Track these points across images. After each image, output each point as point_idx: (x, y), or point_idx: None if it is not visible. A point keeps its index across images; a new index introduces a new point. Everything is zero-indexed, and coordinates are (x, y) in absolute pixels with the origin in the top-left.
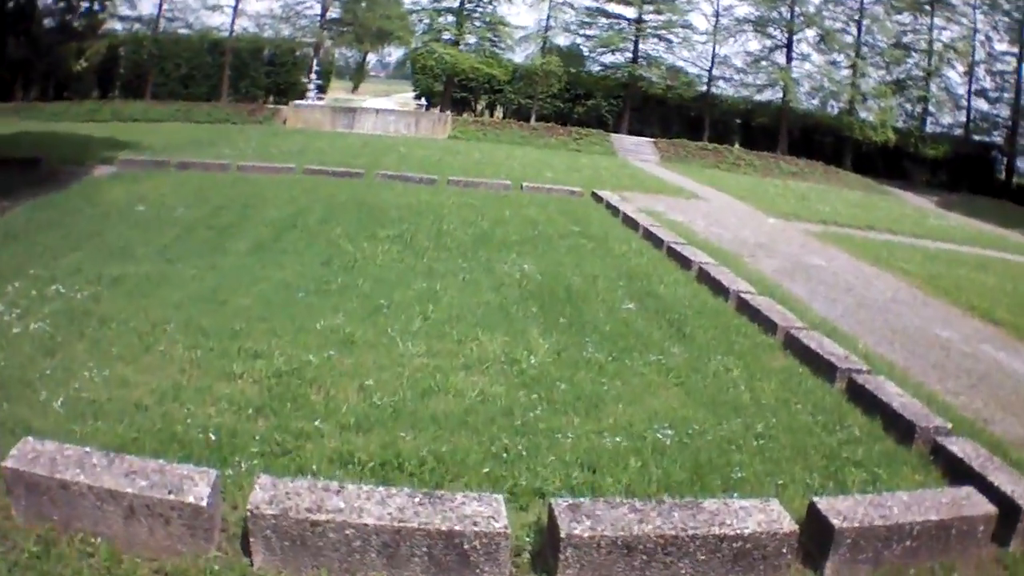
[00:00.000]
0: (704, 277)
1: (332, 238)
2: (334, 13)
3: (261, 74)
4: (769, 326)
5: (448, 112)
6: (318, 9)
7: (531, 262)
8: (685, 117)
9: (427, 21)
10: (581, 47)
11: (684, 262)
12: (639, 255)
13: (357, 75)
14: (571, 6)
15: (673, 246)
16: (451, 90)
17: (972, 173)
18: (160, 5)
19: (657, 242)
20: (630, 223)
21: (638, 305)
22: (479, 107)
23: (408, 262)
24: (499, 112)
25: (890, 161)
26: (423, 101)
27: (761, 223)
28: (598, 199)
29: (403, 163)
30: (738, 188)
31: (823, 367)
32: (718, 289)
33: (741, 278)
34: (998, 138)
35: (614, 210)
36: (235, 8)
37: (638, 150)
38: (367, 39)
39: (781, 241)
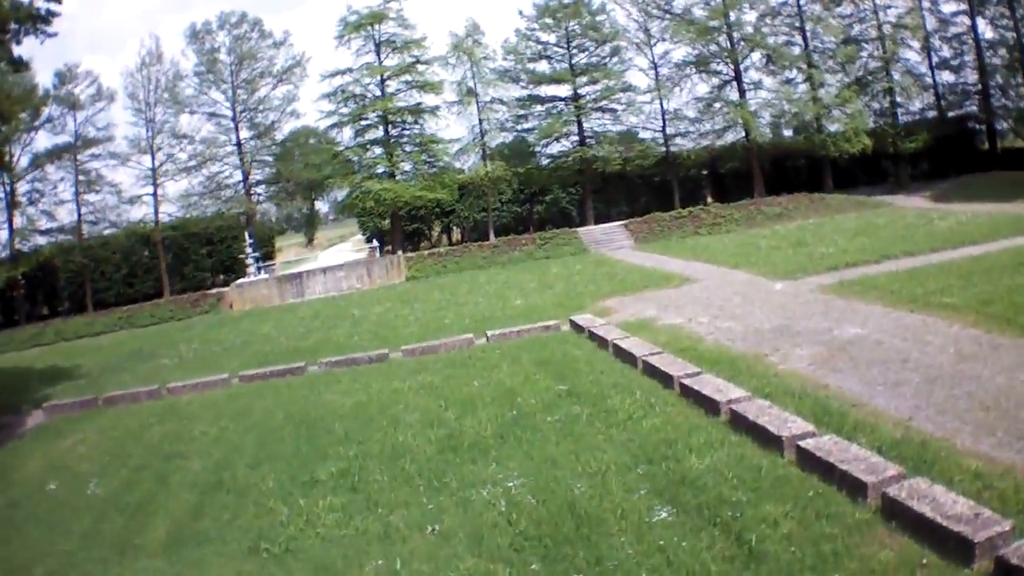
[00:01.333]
0: (740, 423)
1: (262, 496)
2: (257, 175)
3: (202, 255)
4: (855, 487)
5: (400, 253)
6: (239, 176)
7: (517, 473)
8: (651, 186)
9: (355, 159)
10: (525, 139)
11: (710, 405)
12: (650, 409)
13: (308, 228)
14: (501, 102)
15: (688, 383)
16: (399, 225)
17: (955, 152)
18: (79, 210)
19: (665, 379)
20: (625, 357)
21: (672, 508)
22: (435, 234)
23: (357, 522)
24: (457, 233)
25: (870, 167)
26: (375, 243)
27: (768, 293)
28: (579, 329)
29: (355, 331)
30: (726, 253)
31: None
32: (766, 439)
33: (789, 410)
34: (972, 107)
35: (601, 341)
36: (155, 196)
37: (609, 238)
38: (299, 193)
39: (800, 315)
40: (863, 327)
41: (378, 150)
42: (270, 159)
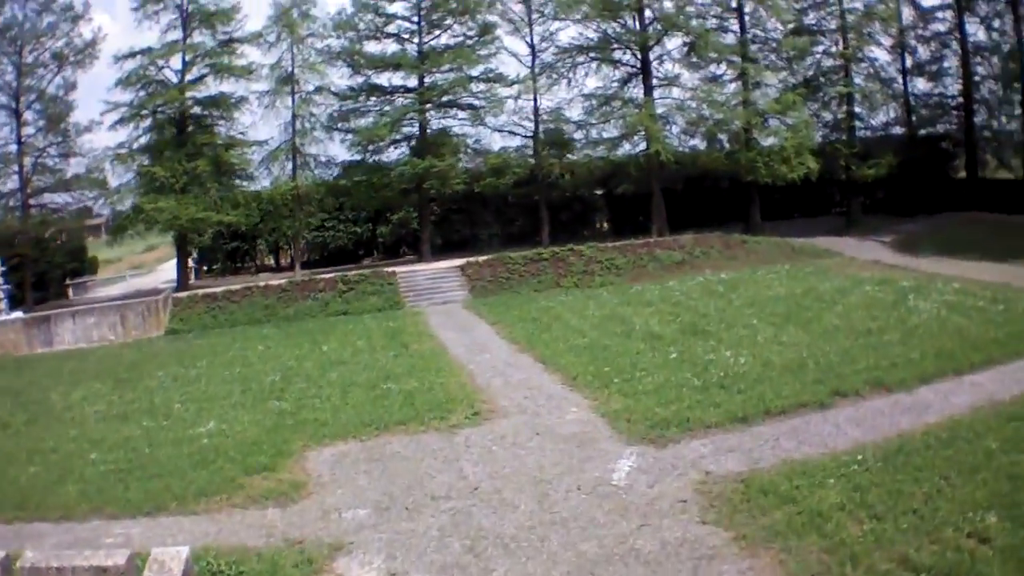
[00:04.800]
0: None
1: None
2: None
3: None
4: None
5: (164, 295)
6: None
7: None
8: (522, 210)
9: (132, 165)
10: (355, 144)
11: None
12: None
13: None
14: (328, 90)
15: None
16: (186, 253)
17: (924, 181)
18: None
19: None
20: None
21: None
22: (261, 254)
23: None
24: (293, 254)
25: (814, 192)
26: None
27: (596, 489)
28: None
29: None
30: (577, 340)
31: None
32: None
33: None
34: (950, 126)
35: None
36: None
37: (436, 286)
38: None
39: None
40: None
41: (168, 153)
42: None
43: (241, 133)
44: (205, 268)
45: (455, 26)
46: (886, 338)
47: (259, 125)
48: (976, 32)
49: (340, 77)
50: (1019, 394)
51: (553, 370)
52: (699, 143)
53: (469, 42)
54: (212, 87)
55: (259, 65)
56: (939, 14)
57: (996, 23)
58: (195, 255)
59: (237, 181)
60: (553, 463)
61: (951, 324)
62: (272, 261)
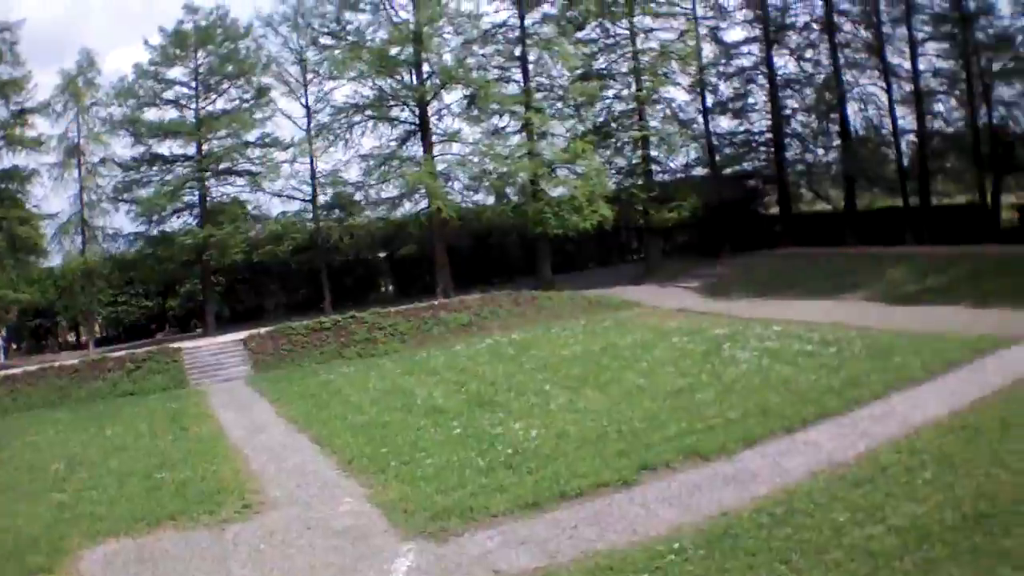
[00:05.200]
0: None
1: None
2: None
3: None
4: None
5: None
6: None
7: None
8: (306, 277)
9: None
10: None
11: None
12: None
13: None
14: (112, 161)
15: None
16: None
17: (732, 221)
18: None
19: None
20: None
21: None
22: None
23: None
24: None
25: (611, 242)
26: None
27: None
28: None
29: None
30: (358, 417)
31: None
32: None
33: None
34: (758, 162)
35: None
36: None
37: (220, 362)
38: None
39: None
40: None
41: None
42: None
43: (35, 207)
44: (14, 346)
45: (231, 90)
46: (699, 397)
47: (50, 198)
48: (785, 64)
49: (124, 147)
50: (864, 452)
51: (329, 453)
52: (484, 197)
53: (245, 105)
54: (6, 160)
55: (48, 136)
56: (745, 48)
57: (808, 53)
58: (4, 333)
59: (32, 257)
60: (324, 563)
61: (775, 374)
62: (74, 338)
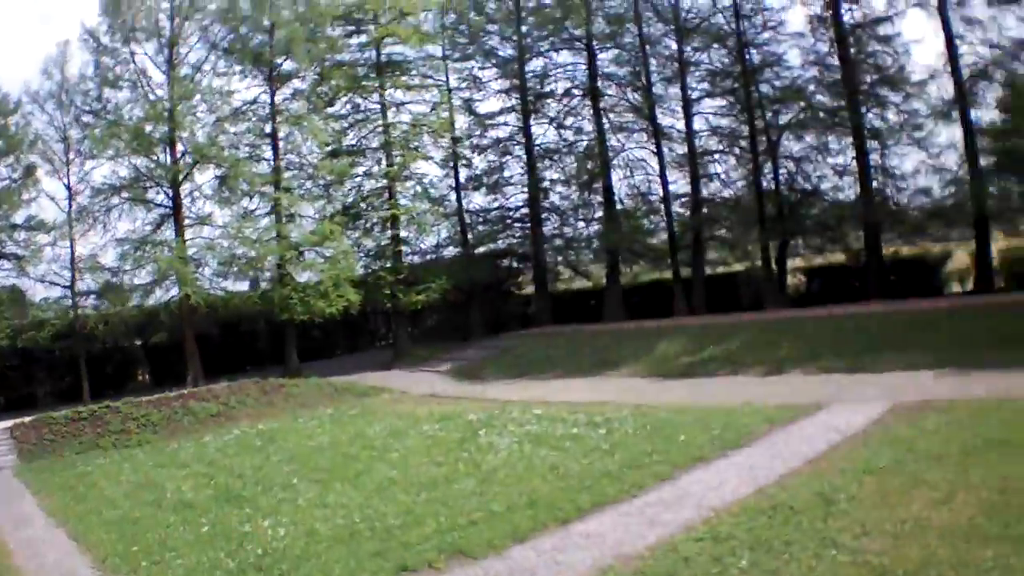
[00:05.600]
0: None
1: None
2: None
3: None
4: None
5: None
6: None
7: None
8: (70, 364)
9: None
10: None
11: None
12: None
13: None
14: None
15: None
16: None
17: (486, 301)
18: None
19: None
20: None
21: None
22: None
23: None
24: None
25: (360, 327)
26: None
27: None
28: None
29: None
30: (116, 515)
31: None
32: None
33: None
34: (513, 239)
35: None
36: None
37: None
38: None
39: None
40: None
41: None
42: None
43: None
44: None
45: (1, 168)
46: (458, 488)
47: None
48: (544, 133)
49: None
50: (657, 542)
51: (85, 549)
52: (235, 283)
53: (14, 185)
54: None
55: None
56: (501, 119)
57: (569, 121)
58: None
59: None
60: None
61: (540, 461)
62: None
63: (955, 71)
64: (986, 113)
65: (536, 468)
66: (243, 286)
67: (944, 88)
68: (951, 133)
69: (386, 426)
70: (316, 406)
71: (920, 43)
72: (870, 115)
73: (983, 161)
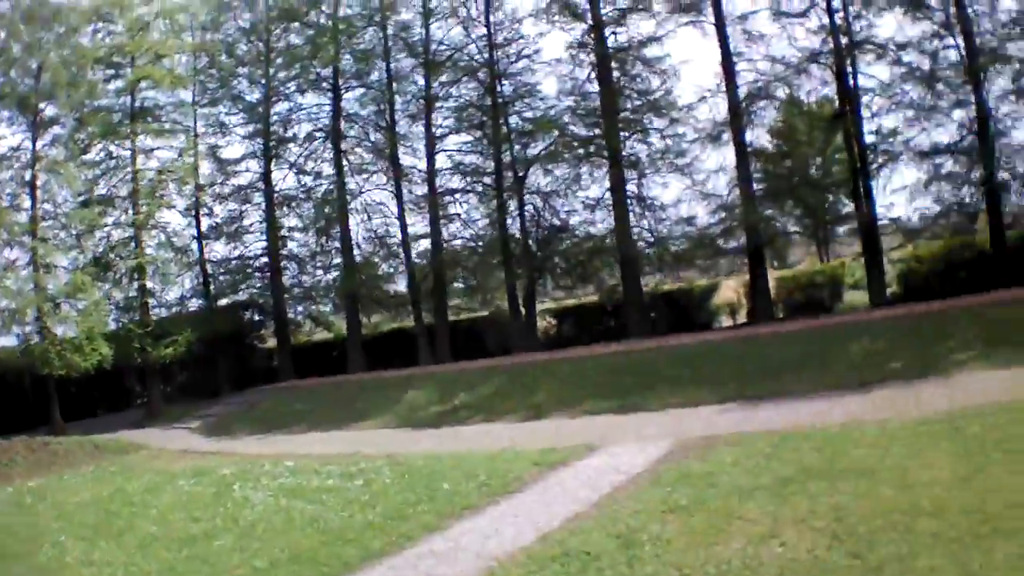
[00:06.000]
0: None
1: None
2: None
3: None
4: None
5: None
6: None
7: None
8: None
9: None
10: None
11: None
12: None
13: None
14: None
15: None
16: None
17: (230, 355)
18: None
19: None
20: None
21: None
22: None
23: None
24: None
25: (118, 384)
26: None
27: None
28: None
29: None
30: None
31: None
32: None
33: None
34: (254, 289)
35: None
36: None
37: None
38: None
39: None
40: None
41: None
42: None
43: None
44: None
45: None
46: (218, 544)
47: None
48: (284, 179)
49: None
50: None
51: None
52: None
53: None
54: None
55: None
56: (243, 165)
57: (309, 165)
58: None
59: None
60: None
61: (299, 514)
62: None
63: (731, 90)
64: (761, 135)
65: (295, 522)
66: (11, 341)
67: (717, 109)
68: (721, 156)
69: (144, 482)
70: (80, 464)
71: (689, 63)
72: (630, 142)
73: (756, 185)
